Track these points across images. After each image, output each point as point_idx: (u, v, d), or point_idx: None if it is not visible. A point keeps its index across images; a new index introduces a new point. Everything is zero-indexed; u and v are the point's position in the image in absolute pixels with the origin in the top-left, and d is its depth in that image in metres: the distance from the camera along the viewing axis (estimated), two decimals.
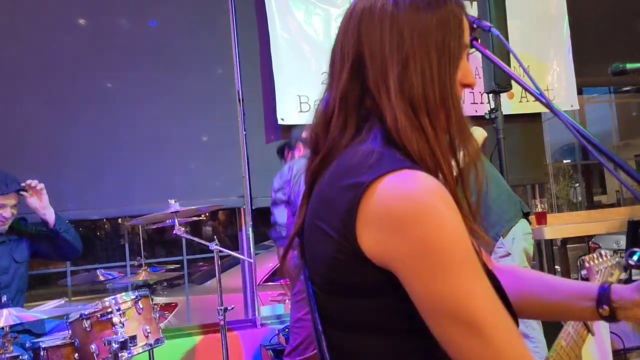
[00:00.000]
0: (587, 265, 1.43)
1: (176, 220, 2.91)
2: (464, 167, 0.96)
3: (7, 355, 2.24)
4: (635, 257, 1.32)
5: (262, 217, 3.88)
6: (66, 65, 3.68)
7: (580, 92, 4.75)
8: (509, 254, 3.11)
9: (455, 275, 0.82)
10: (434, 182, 0.86)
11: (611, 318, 1.07)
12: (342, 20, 1.02)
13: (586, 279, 1.45)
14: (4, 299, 2.29)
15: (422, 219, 0.82)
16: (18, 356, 2.38)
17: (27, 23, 3.64)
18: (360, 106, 0.97)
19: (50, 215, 3.07)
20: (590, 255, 1.46)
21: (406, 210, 0.83)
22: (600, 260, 1.47)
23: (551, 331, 3.15)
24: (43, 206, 3.07)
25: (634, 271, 3.51)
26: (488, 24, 1.24)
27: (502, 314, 0.84)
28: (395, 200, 0.83)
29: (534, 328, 3.13)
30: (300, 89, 3.92)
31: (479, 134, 3.08)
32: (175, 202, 2.89)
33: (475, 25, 1.09)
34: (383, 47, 0.93)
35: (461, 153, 0.97)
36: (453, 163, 0.94)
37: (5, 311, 2.22)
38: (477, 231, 0.93)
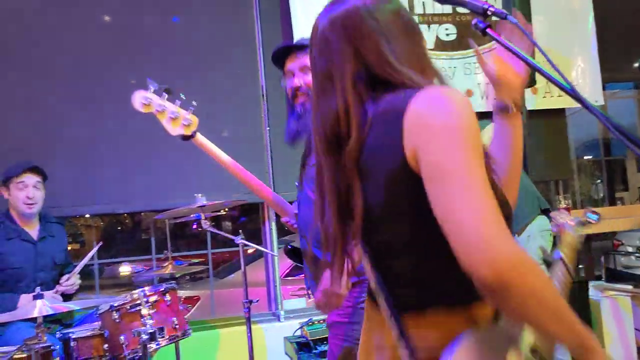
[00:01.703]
0: (557, 222, 1.54)
1: (202, 215, 2.95)
2: None
3: (41, 345, 2.29)
4: (594, 217, 1.53)
5: None
6: (94, 62, 3.73)
7: (603, 87, 4.71)
8: None
9: (462, 151, 0.96)
10: (460, 92, 1.03)
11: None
12: (315, 41, 1.21)
13: (558, 234, 1.54)
14: (38, 289, 2.35)
15: (445, 110, 0.99)
16: (50, 346, 2.44)
17: (55, 20, 3.71)
18: (374, 92, 1.12)
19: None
20: (556, 212, 1.57)
21: (433, 108, 1.01)
22: (566, 216, 1.57)
23: None
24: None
25: None
26: (505, 11, 1.25)
27: (488, 196, 0.95)
28: (425, 105, 1.01)
29: None
30: None
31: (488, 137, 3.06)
32: (201, 196, 2.92)
33: (490, 13, 1.17)
34: (372, 35, 1.13)
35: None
36: None
37: (39, 302, 2.27)
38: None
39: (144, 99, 2.24)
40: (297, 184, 2.29)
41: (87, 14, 3.77)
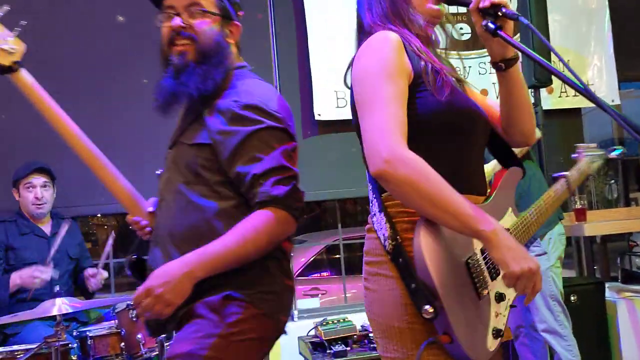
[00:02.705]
0: (579, 150, 1.76)
1: None
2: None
3: (60, 343, 2.31)
4: (616, 152, 1.79)
5: None
6: (105, 62, 3.75)
7: (618, 87, 4.66)
8: (545, 253, 3.14)
9: (370, 86, 1.31)
10: (393, 34, 1.37)
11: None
12: None
13: (575, 161, 1.77)
14: (57, 288, 2.37)
15: (365, 54, 1.36)
16: (68, 344, 2.46)
17: (68, 21, 3.72)
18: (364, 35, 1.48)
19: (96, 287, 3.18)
20: (586, 145, 1.81)
21: (360, 52, 1.38)
22: (592, 149, 1.81)
23: (575, 330, 3.17)
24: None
25: None
26: (516, 12, 1.26)
27: (385, 116, 1.26)
28: (360, 48, 1.40)
29: (566, 326, 3.17)
30: (337, 85, 3.92)
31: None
32: None
33: (500, 14, 1.28)
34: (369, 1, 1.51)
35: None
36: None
37: (59, 300, 2.29)
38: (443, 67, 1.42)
39: None
40: (160, 172, 1.81)
41: (98, 14, 3.78)
